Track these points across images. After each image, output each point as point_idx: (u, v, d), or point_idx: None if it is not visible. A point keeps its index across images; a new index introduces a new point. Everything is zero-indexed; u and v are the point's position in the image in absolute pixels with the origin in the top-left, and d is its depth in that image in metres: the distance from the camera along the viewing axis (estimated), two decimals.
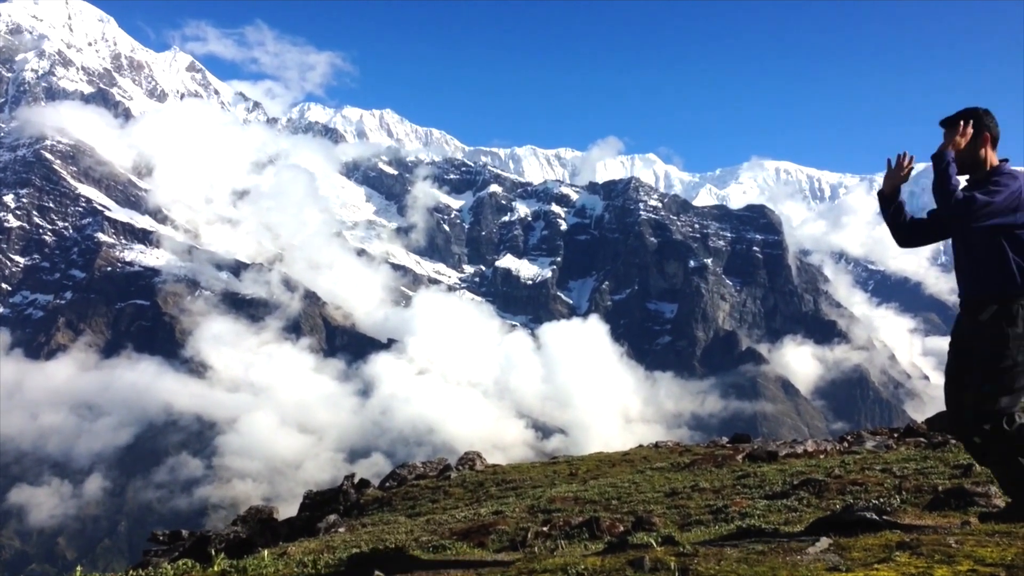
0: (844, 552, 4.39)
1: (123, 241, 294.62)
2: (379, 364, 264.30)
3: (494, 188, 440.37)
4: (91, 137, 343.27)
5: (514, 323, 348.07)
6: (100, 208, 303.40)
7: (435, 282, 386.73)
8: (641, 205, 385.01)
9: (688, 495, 9.31)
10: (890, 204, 5.69)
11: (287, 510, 16.80)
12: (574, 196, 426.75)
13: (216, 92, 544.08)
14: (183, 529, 15.88)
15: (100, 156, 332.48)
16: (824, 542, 4.59)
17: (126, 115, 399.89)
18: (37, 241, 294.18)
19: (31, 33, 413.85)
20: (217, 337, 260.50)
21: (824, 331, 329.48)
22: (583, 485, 11.98)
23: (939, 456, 9.18)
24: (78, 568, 6.71)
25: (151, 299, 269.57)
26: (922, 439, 11.34)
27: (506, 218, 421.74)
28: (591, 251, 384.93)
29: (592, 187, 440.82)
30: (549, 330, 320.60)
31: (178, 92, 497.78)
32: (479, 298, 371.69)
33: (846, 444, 13.06)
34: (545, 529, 8.07)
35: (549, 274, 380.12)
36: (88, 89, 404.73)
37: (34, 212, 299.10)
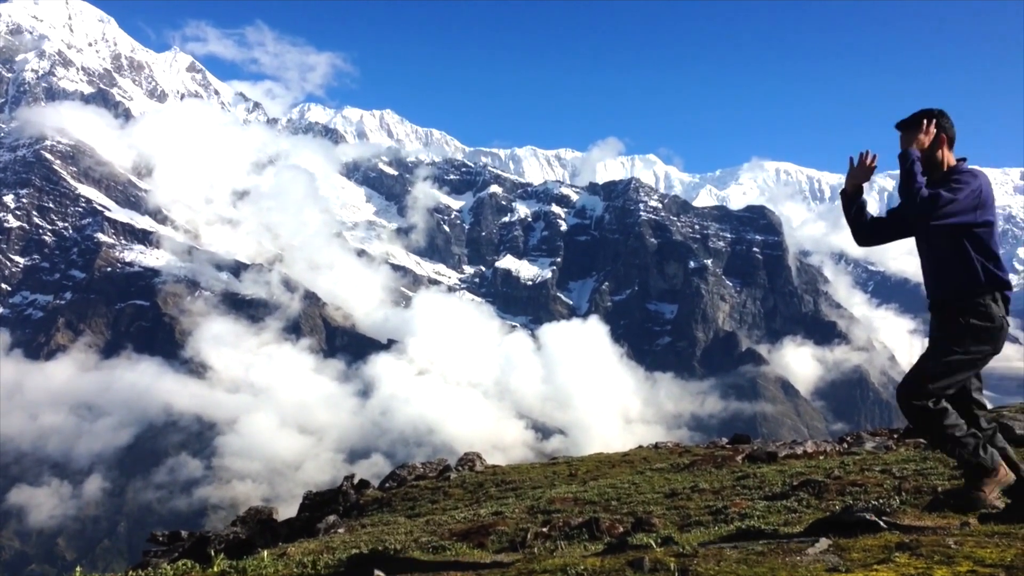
0: (843, 553, 4.40)
1: (123, 241, 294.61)
2: (379, 365, 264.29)
3: (494, 189, 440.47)
4: (91, 137, 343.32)
5: (514, 324, 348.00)
6: (100, 208, 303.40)
7: (435, 283, 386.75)
8: (641, 206, 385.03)
9: (688, 496, 9.31)
10: (853, 203, 5.71)
11: (287, 511, 16.80)
12: (574, 197, 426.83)
13: (216, 92, 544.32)
14: (183, 530, 15.87)
15: (100, 156, 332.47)
16: (823, 543, 4.61)
17: (126, 115, 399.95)
18: (37, 241, 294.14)
19: (31, 33, 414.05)
20: (217, 338, 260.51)
21: (824, 332, 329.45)
22: (583, 486, 11.98)
23: (939, 457, 9.17)
24: (78, 569, 6.70)
25: (151, 299, 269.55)
26: (922, 440, 11.33)
27: (506, 219, 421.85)
28: (591, 252, 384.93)
29: (592, 188, 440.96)
30: (549, 331, 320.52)
31: (178, 92, 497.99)
32: (479, 299, 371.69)
33: (846, 445, 13.05)
34: (545, 530, 8.07)
35: (549, 275, 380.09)
36: (88, 89, 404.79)
37: (34, 212, 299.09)
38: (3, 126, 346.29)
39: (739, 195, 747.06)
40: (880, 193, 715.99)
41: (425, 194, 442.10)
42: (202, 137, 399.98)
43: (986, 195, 5.26)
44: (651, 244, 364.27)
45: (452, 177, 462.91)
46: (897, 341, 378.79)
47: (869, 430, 13.89)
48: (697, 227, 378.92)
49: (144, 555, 14.92)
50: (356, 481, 17.05)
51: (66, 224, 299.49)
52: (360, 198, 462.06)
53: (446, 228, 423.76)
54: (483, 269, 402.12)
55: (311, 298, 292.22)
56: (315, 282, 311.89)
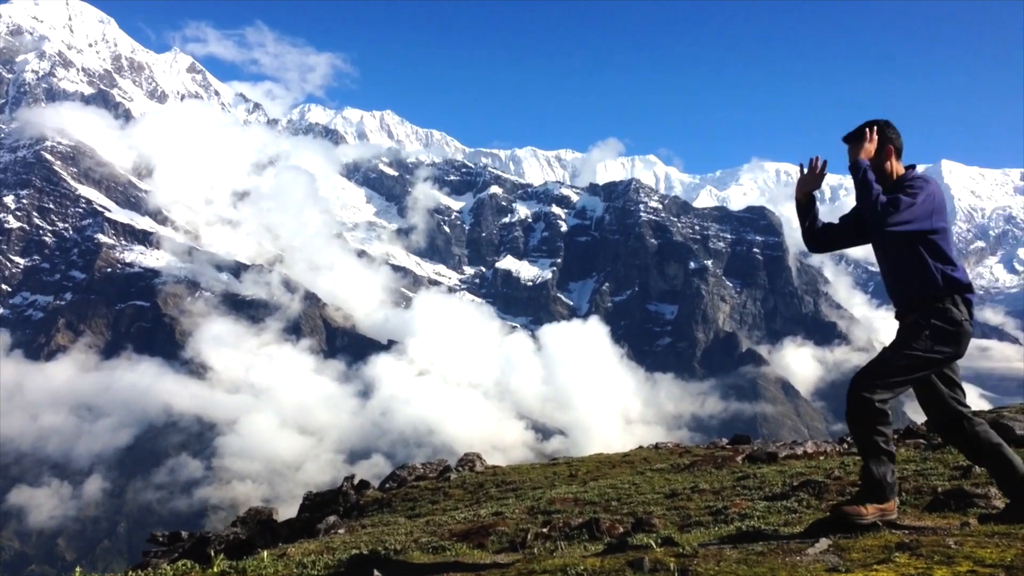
0: (843, 553, 4.39)
1: (123, 242, 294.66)
2: (379, 365, 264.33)
3: (494, 189, 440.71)
4: (91, 138, 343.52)
5: (514, 324, 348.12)
6: (100, 209, 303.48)
7: (435, 283, 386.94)
8: (641, 206, 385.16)
9: (688, 496, 9.31)
10: (808, 213, 5.70)
11: (287, 511, 16.79)
12: (574, 197, 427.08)
13: (216, 93, 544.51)
14: (183, 530, 15.87)
15: (100, 157, 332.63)
16: (823, 543, 4.61)
17: (126, 116, 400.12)
18: (37, 242, 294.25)
19: (31, 34, 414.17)
20: (217, 338, 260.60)
21: (824, 332, 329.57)
22: (583, 486, 11.97)
23: (938, 457, 9.17)
24: (77, 569, 6.70)
25: (151, 300, 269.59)
26: (921, 440, 11.33)
27: (506, 219, 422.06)
28: (591, 252, 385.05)
29: (592, 188, 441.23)
30: (549, 331, 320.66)
31: (178, 93, 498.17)
32: (479, 299, 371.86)
33: (846, 445, 13.05)
34: (545, 530, 8.07)
35: (549, 275, 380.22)
36: (88, 90, 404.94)
37: (34, 213, 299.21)
38: (3, 127, 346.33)
39: (739, 196, 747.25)
40: None
41: (425, 195, 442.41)
42: (202, 138, 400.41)
43: (939, 201, 5.24)
44: (651, 245, 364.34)
45: (452, 178, 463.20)
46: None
47: None
48: (697, 228, 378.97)
49: (144, 555, 14.92)
50: (356, 482, 17.04)
51: (66, 225, 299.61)
52: (360, 199, 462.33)
53: (446, 229, 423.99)
54: (483, 270, 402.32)
55: (311, 299, 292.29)
56: (315, 283, 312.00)
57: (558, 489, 12.12)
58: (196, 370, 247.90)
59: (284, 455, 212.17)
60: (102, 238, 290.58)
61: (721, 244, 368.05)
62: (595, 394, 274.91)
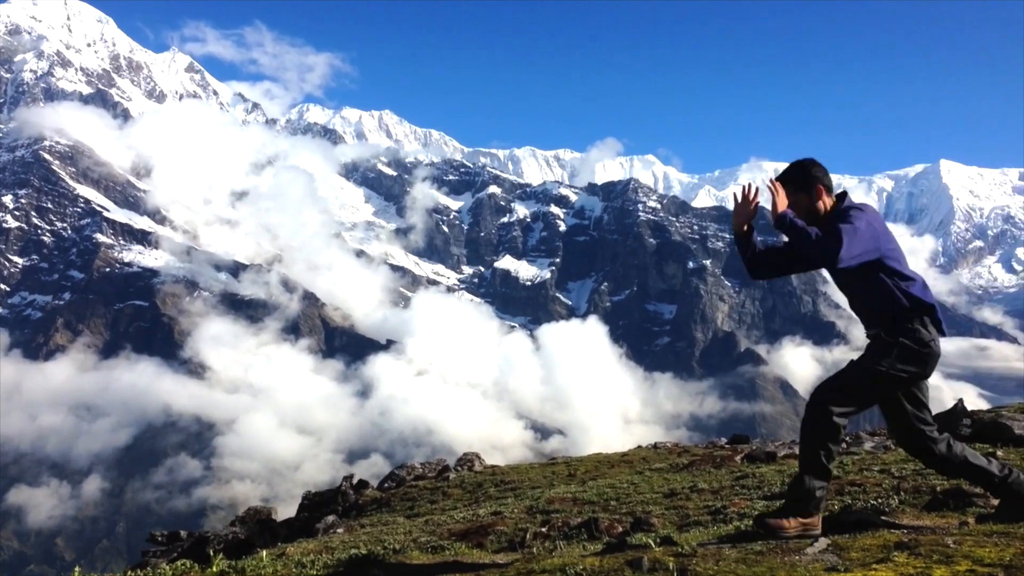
0: (842, 552, 4.38)
1: (122, 242, 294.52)
2: (378, 365, 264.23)
3: (493, 189, 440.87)
4: (90, 138, 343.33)
5: (513, 324, 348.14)
6: (99, 209, 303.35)
7: (434, 283, 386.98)
8: (640, 206, 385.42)
9: (687, 496, 9.31)
10: (747, 242, 5.62)
11: (286, 511, 16.79)
12: (573, 197, 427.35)
13: (215, 93, 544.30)
14: (182, 530, 15.86)
15: (99, 157, 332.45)
16: (822, 542, 4.59)
17: (125, 116, 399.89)
18: (36, 242, 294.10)
19: (30, 34, 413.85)
20: (216, 338, 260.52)
21: (823, 332, 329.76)
22: (582, 486, 11.97)
23: None
24: (76, 569, 6.70)
25: (150, 300, 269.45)
26: None
27: (505, 219, 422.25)
28: (590, 252, 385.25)
29: (591, 188, 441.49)
30: (548, 331, 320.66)
31: (177, 93, 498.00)
32: (478, 299, 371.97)
33: (844, 445, 13.05)
34: (544, 530, 8.07)
35: (548, 275, 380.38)
36: (87, 90, 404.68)
37: (32, 213, 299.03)
38: (2, 126, 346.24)
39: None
40: (879, 194, 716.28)
41: (424, 194, 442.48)
42: (201, 138, 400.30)
43: (880, 224, 5.17)
44: (650, 244, 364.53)
45: (451, 177, 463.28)
46: None
47: (868, 430, 13.88)
48: (696, 227, 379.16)
49: (143, 555, 14.90)
50: (355, 481, 17.05)
51: (65, 224, 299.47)
52: (359, 198, 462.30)
53: (445, 228, 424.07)
54: (482, 269, 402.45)
55: (310, 298, 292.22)
56: (314, 282, 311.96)
57: (557, 489, 12.12)
58: (195, 370, 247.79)
59: (283, 455, 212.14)
60: (101, 238, 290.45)
61: (720, 244, 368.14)
62: (594, 394, 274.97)
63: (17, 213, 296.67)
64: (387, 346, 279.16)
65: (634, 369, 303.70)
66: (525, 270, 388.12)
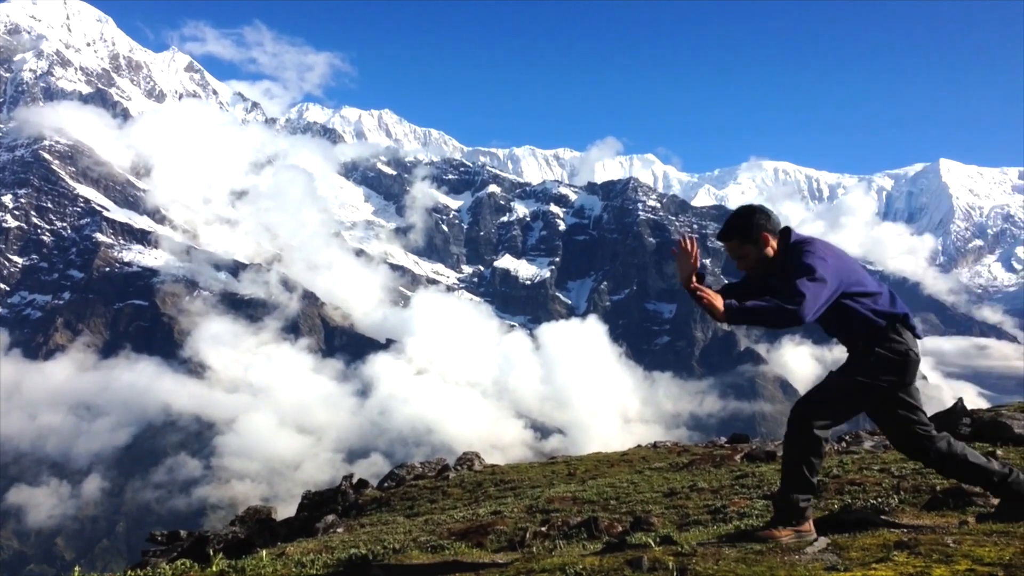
0: (842, 552, 4.38)
1: (121, 241, 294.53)
2: (378, 364, 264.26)
3: (493, 188, 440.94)
4: (89, 137, 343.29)
5: (513, 323, 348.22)
6: (98, 208, 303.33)
7: (433, 282, 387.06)
8: (640, 205, 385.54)
9: (686, 495, 9.31)
10: (697, 294, 5.35)
11: (285, 510, 16.78)
12: (573, 196, 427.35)
13: (214, 92, 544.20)
14: (181, 529, 15.85)
15: (98, 156, 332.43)
16: (822, 542, 4.59)
17: (124, 115, 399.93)
18: (35, 241, 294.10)
19: (29, 33, 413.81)
20: (215, 337, 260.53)
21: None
22: (581, 485, 11.97)
23: None
24: (76, 569, 6.70)
25: (149, 299, 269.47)
26: None
27: (504, 218, 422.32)
28: (590, 251, 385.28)
29: (591, 187, 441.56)
30: (548, 330, 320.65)
31: (176, 92, 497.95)
32: (478, 298, 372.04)
33: (844, 444, 13.04)
34: (543, 529, 8.07)
35: (548, 274, 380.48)
36: (86, 89, 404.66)
37: (32, 212, 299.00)
38: (1, 126, 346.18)
39: (737, 195, 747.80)
40: (879, 193, 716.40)
41: (423, 194, 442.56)
42: (200, 137, 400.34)
43: (832, 258, 5.04)
44: (649, 244, 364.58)
45: (450, 177, 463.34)
46: None
47: (868, 429, 13.87)
48: (696, 226, 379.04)
49: (143, 555, 14.90)
50: (355, 481, 17.03)
51: (64, 224, 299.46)
52: (358, 198, 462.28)
53: (444, 228, 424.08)
54: (481, 269, 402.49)
55: (310, 298, 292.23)
56: (314, 282, 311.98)
57: (556, 488, 12.11)
58: (195, 369, 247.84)
59: (283, 454, 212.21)
60: (100, 237, 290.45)
61: (720, 243, 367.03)
62: (593, 393, 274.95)
63: (17, 213, 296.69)
64: (387, 345, 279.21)
65: (634, 368, 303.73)
66: (525, 269, 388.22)
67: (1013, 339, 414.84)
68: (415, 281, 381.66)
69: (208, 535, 13.84)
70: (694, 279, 5.26)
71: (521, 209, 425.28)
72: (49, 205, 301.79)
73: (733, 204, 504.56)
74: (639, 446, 17.73)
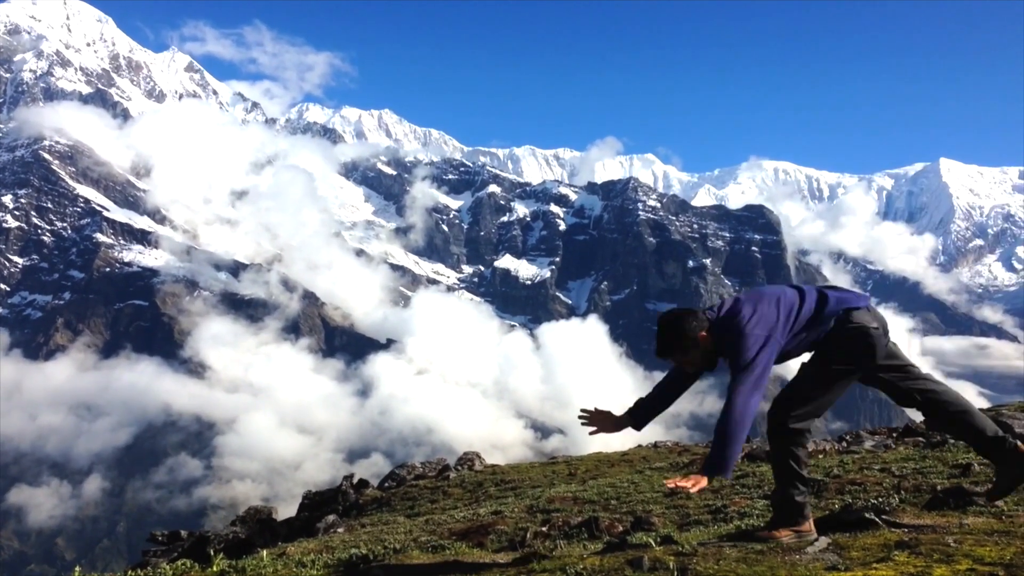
0: (843, 551, 4.37)
1: (122, 241, 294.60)
2: (378, 364, 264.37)
3: (493, 188, 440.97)
4: (89, 137, 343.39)
5: (513, 323, 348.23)
6: (98, 208, 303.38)
7: (434, 282, 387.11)
8: (640, 205, 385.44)
9: (687, 495, 9.30)
10: (640, 424, 5.54)
11: (286, 510, 16.78)
12: (573, 196, 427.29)
13: (214, 92, 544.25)
14: (182, 529, 15.84)
15: (98, 156, 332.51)
16: (823, 541, 4.58)
17: (124, 115, 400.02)
18: (36, 242, 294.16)
19: (29, 33, 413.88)
20: (216, 337, 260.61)
21: None
22: (582, 485, 11.97)
23: (938, 456, 9.16)
24: (77, 569, 6.70)
25: (150, 299, 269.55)
26: (921, 439, 11.30)
27: (505, 218, 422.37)
28: (590, 251, 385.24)
29: (591, 187, 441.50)
30: (548, 330, 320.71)
31: (176, 92, 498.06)
32: (478, 298, 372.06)
33: (845, 444, 13.04)
34: (544, 529, 8.07)
35: (548, 274, 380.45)
36: (86, 89, 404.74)
37: (32, 213, 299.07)
38: (1, 126, 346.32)
39: (738, 194, 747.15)
40: (879, 192, 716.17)
41: (424, 194, 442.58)
42: (200, 137, 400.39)
43: (759, 316, 4.94)
44: (650, 243, 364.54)
45: (451, 177, 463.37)
46: (896, 339, 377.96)
47: (868, 429, 13.87)
48: (696, 226, 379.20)
49: (143, 555, 14.90)
50: (355, 481, 17.03)
51: (65, 224, 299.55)
52: (359, 198, 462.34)
53: (445, 228, 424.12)
54: (482, 269, 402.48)
55: (310, 298, 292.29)
56: (314, 282, 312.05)
57: (557, 488, 12.11)
58: (195, 369, 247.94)
59: (283, 454, 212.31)
60: (100, 237, 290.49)
61: (719, 243, 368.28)
62: (594, 393, 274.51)
63: (17, 213, 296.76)
64: (387, 345, 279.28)
65: (634, 368, 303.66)
66: (525, 269, 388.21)
67: (1013, 339, 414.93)
68: (415, 281, 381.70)
69: (209, 535, 13.84)
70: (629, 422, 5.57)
71: (521, 209, 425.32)
72: (49, 205, 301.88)
73: (733, 204, 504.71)
74: (639, 446, 17.73)
